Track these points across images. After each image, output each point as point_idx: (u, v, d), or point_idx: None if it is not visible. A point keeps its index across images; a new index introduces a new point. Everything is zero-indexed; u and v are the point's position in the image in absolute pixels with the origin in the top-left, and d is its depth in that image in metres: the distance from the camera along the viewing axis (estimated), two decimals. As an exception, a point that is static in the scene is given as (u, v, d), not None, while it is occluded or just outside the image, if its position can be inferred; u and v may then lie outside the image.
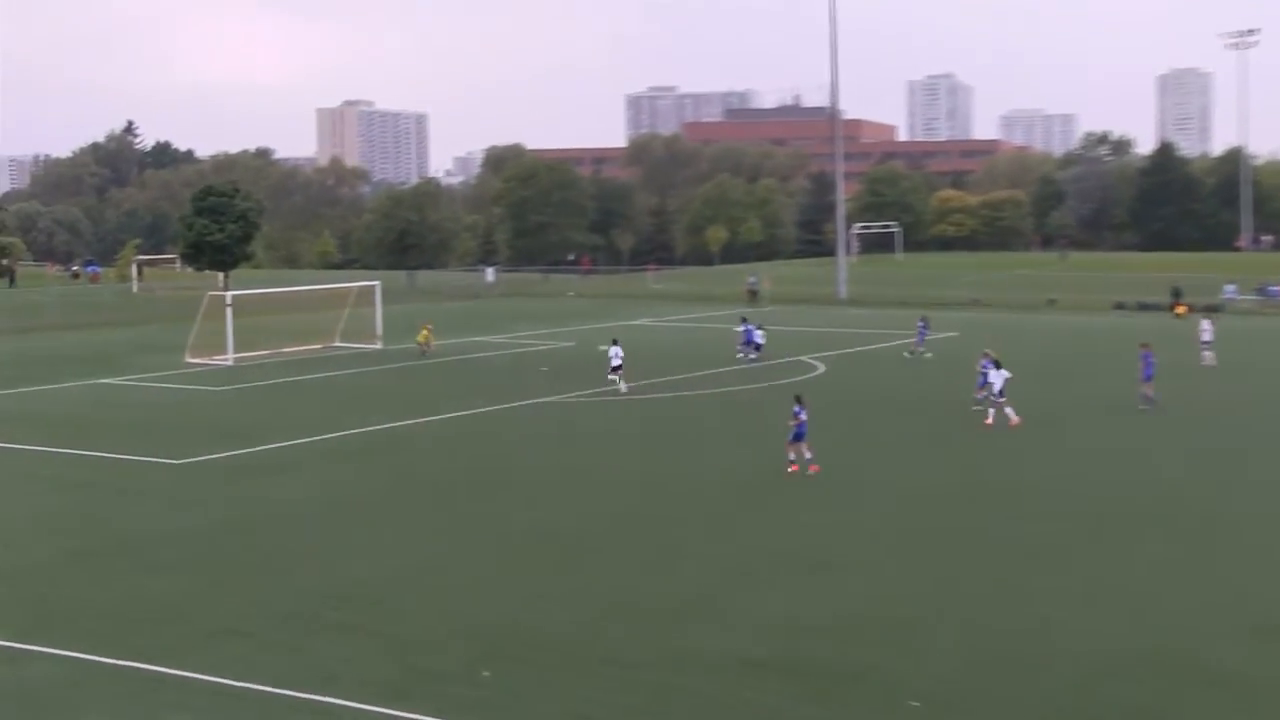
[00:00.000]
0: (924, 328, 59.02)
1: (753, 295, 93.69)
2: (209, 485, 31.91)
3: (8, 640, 20.36)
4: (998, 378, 39.06)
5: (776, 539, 26.34)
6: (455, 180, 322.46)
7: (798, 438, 32.42)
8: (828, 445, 36.39)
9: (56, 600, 22.53)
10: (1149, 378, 42.11)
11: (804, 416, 32.43)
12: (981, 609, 21.70)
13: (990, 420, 38.73)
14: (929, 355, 57.19)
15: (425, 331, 60.85)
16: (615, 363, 47.43)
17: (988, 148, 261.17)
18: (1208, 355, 52.96)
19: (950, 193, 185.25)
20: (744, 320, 59.15)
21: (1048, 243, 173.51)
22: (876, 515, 28.31)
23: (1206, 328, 53.98)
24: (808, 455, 32.42)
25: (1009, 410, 38.67)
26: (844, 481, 31.82)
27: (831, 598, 22.36)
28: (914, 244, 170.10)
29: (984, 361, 41.35)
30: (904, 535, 26.57)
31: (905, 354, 57.85)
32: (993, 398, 39.12)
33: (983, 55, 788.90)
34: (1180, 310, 79.87)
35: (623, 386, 46.93)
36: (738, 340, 57.85)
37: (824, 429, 38.97)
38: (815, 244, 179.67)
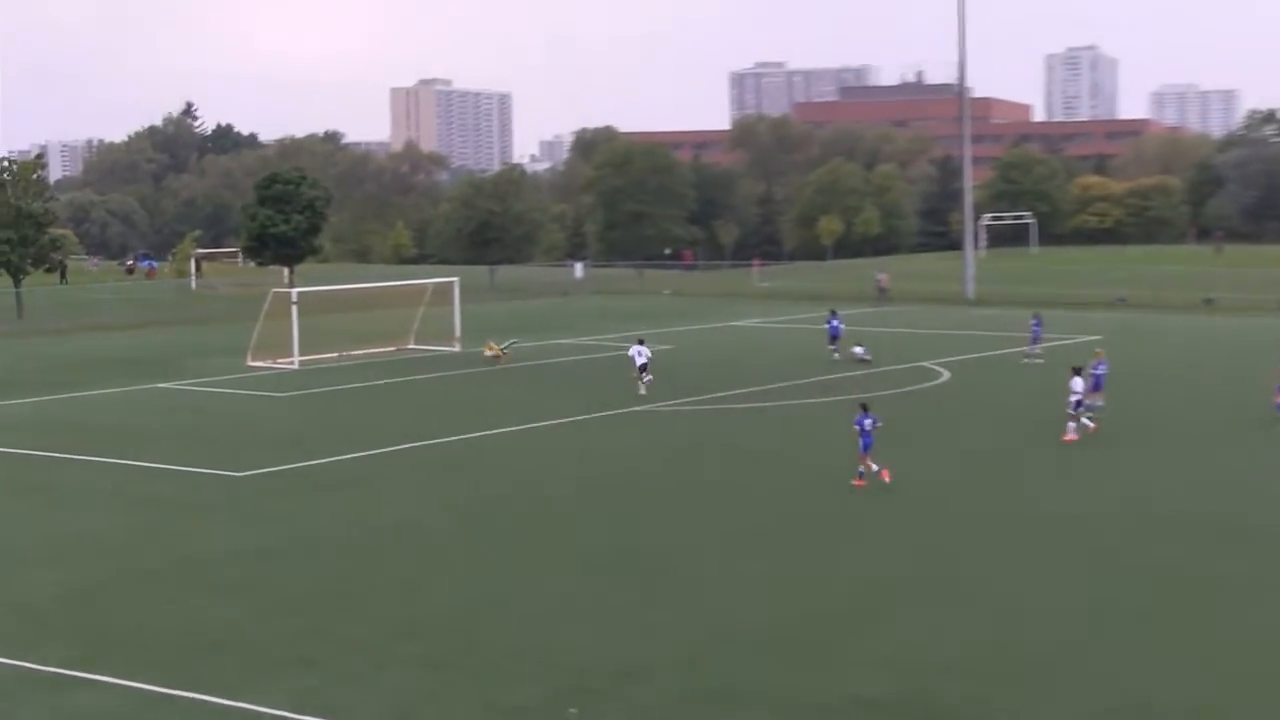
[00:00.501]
0: (1038, 327, 58.85)
1: (882, 293, 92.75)
2: (274, 501, 32.44)
3: (58, 667, 20.86)
4: (1079, 385, 38.99)
5: (891, 563, 26.25)
6: (541, 166, 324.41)
7: (868, 448, 32.96)
8: (948, 460, 36.28)
9: (110, 625, 23.02)
10: None
11: (869, 425, 32.96)
12: (1122, 647, 21.46)
13: (1077, 434, 38.84)
14: (1027, 360, 57.01)
15: (492, 347, 60.26)
16: (640, 361, 49.08)
17: (1136, 128, 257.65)
18: None
19: (1092, 179, 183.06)
20: (833, 314, 60.81)
21: (1203, 235, 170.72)
22: (1001, 537, 28.10)
23: None
24: (870, 468, 32.86)
25: (1074, 425, 38.83)
26: (964, 500, 31.65)
27: (955, 630, 22.23)
28: (1051, 237, 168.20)
29: (1095, 364, 42.00)
30: (1035, 561, 26.34)
31: (1026, 359, 57.66)
32: (1069, 409, 39.08)
33: (1130, 24, 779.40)
34: None
35: (643, 389, 48.45)
36: (827, 338, 59.64)
37: (945, 442, 38.85)
38: (940, 237, 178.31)
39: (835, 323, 59.63)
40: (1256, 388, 47.00)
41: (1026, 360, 57.18)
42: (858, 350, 57.70)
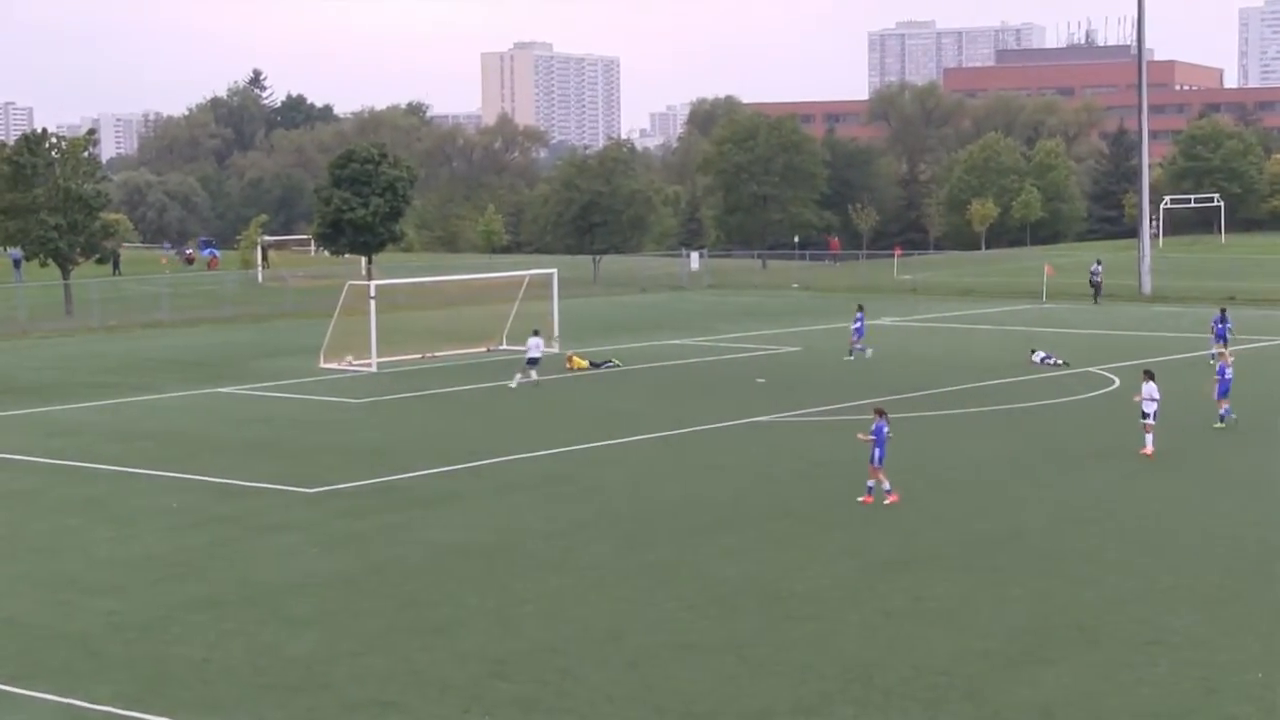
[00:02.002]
0: (1220, 325, 58.92)
1: (1097, 290, 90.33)
2: (350, 521, 32.93)
3: (111, 705, 21.37)
4: (1151, 392, 38.95)
5: (1057, 600, 26.13)
6: (652, 142, 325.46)
7: (882, 460, 33.61)
8: (1116, 480, 36.04)
9: (170, 658, 23.54)
10: None
11: (886, 433, 33.62)
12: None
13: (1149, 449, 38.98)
14: (1214, 361, 56.98)
15: (575, 360, 59.88)
16: (534, 355, 53.93)
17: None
18: None
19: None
20: (860, 308, 63.46)
21: None
22: (1189, 574, 27.88)
23: None
24: (882, 484, 33.59)
25: (1149, 436, 39.06)
26: (1134, 527, 31.44)
27: (1131, 679, 22.13)
28: (1243, 222, 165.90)
29: (1220, 365, 43.88)
30: (1233, 604, 26.13)
31: (1213, 360, 57.46)
32: (1143, 419, 39.27)
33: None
34: None
35: (514, 382, 53.38)
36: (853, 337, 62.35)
37: (1112, 458, 38.56)
38: (1112, 223, 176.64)
39: (860, 319, 62.14)
40: None
41: (1214, 361, 57.06)
42: (1044, 358, 58.64)
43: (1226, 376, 43.21)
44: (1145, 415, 39.15)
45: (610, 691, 21.78)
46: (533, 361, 53.69)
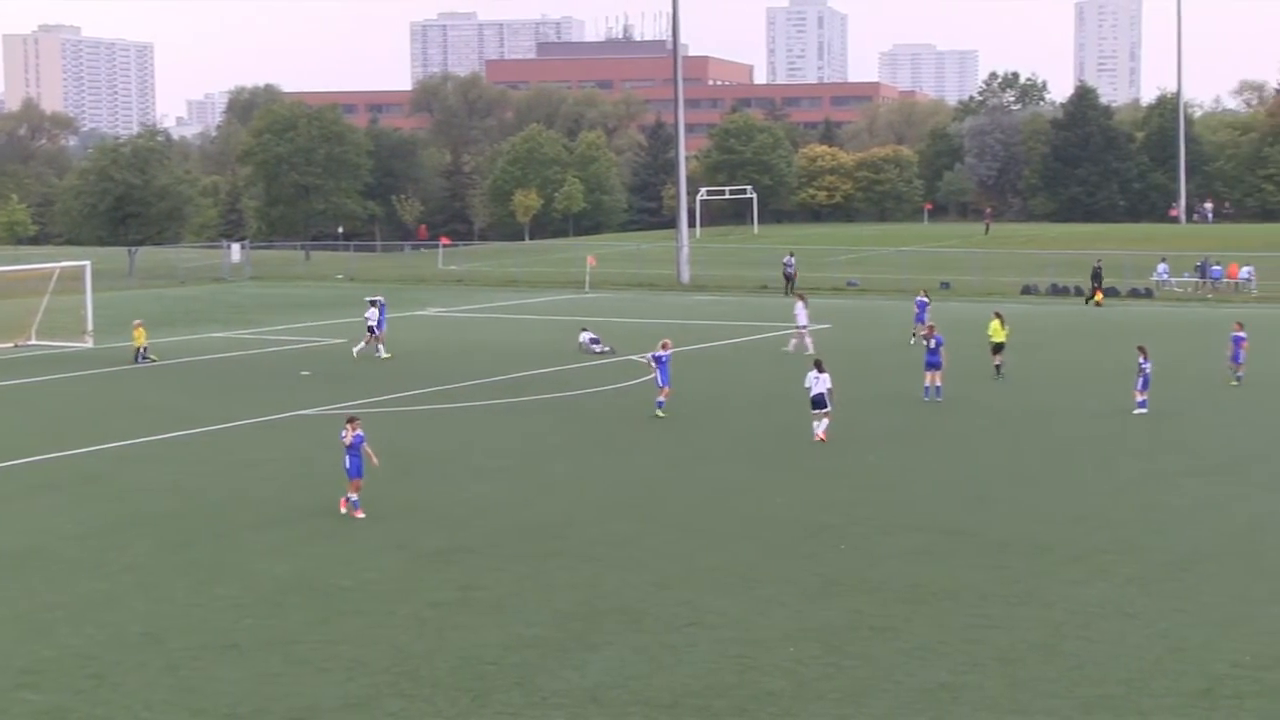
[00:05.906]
0: (921, 308, 62.06)
1: (790, 280, 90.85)
2: None
3: None
4: (819, 384, 39.84)
5: (599, 583, 26.53)
6: (190, 131, 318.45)
7: (357, 471, 31.80)
8: (662, 465, 36.85)
9: None
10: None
11: (355, 439, 31.82)
12: (871, 672, 22.14)
13: (822, 436, 39.68)
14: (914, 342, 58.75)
15: (139, 331, 58.49)
16: (371, 324, 58.93)
17: (866, 92, 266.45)
18: (798, 341, 58.41)
19: (819, 149, 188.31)
20: (372, 303, 61.12)
21: (938, 212, 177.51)
22: (725, 553, 28.66)
23: (800, 310, 59.25)
24: (353, 497, 32.01)
25: (821, 424, 39.73)
26: (679, 511, 32.19)
27: (673, 660, 22.60)
28: (774, 214, 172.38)
29: (658, 354, 44.35)
30: (774, 582, 26.96)
31: (912, 339, 59.84)
32: (818, 409, 39.97)
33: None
34: (1100, 299, 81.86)
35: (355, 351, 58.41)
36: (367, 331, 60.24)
37: (657, 444, 39.44)
38: (651, 213, 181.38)
39: (376, 313, 59.68)
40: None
41: (914, 342, 59.05)
42: (592, 340, 59.79)
43: (663, 361, 44.16)
44: (820, 405, 39.59)
45: (148, 697, 21.11)
46: (371, 330, 59.08)
